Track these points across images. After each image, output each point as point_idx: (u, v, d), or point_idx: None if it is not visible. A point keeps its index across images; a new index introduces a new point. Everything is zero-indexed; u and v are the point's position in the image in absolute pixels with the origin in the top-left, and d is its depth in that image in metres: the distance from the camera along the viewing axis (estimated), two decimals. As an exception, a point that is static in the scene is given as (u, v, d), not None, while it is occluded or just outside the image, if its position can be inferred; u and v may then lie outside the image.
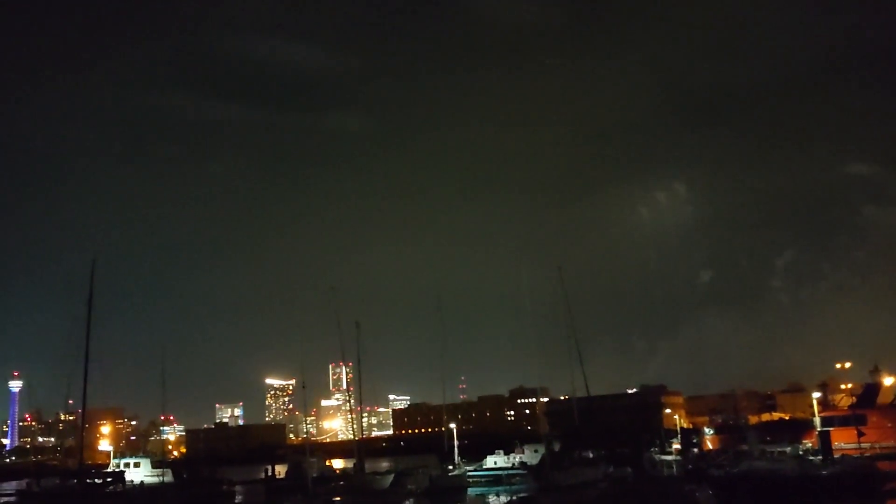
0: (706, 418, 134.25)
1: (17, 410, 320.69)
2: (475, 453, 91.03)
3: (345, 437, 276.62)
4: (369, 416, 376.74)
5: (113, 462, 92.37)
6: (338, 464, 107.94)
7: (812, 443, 72.42)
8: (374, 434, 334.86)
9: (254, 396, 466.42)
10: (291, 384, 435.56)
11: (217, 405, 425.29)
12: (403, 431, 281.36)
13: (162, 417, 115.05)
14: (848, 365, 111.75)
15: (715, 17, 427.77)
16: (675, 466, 74.42)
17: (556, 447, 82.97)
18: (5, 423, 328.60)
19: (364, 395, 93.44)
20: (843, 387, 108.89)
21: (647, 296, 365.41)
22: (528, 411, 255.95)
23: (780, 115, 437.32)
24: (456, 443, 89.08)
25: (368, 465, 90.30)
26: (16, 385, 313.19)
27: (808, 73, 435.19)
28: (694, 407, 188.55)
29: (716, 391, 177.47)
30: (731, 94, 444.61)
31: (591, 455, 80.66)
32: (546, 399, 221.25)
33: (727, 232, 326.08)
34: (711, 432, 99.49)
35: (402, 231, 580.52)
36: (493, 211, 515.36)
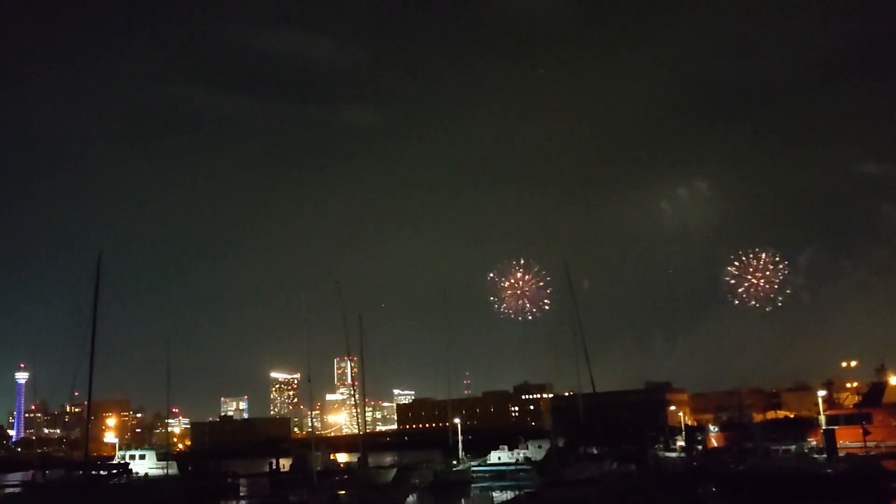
0: (711, 416, 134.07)
1: (22, 402, 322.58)
2: (479, 448, 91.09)
3: (349, 432, 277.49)
4: (374, 411, 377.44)
5: (118, 454, 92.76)
6: (342, 458, 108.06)
7: (817, 441, 72.41)
8: (378, 428, 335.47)
9: (259, 390, 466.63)
10: (296, 378, 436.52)
11: (222, 398, 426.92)
12: (408, 426, 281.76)
13: (167, 410, 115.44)
14: (854, 363, 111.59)
15: (732, 12, 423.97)
16: (679, 463, 74.32)
17: (561, 443, 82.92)
18: (11, 415, 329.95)
19: (368, 390, 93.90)
20: (848, 385, 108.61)
21: (668, 293, 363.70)
22: (532, 407, 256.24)
23: (799, 112, 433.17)
24: (460, 438, 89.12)
25: (372, 460, 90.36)
26: (22, 376, 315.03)
27: (828, 70, 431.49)
28: (699, 404, 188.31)
29: (725, 389, 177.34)
30: (751, 90, 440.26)
31: (595, 451, 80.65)
32: (551, 395, 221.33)
33: (749, 229, 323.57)
34: (716, 430, 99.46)
35: (409, 225, 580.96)
36: (503, 206, 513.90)
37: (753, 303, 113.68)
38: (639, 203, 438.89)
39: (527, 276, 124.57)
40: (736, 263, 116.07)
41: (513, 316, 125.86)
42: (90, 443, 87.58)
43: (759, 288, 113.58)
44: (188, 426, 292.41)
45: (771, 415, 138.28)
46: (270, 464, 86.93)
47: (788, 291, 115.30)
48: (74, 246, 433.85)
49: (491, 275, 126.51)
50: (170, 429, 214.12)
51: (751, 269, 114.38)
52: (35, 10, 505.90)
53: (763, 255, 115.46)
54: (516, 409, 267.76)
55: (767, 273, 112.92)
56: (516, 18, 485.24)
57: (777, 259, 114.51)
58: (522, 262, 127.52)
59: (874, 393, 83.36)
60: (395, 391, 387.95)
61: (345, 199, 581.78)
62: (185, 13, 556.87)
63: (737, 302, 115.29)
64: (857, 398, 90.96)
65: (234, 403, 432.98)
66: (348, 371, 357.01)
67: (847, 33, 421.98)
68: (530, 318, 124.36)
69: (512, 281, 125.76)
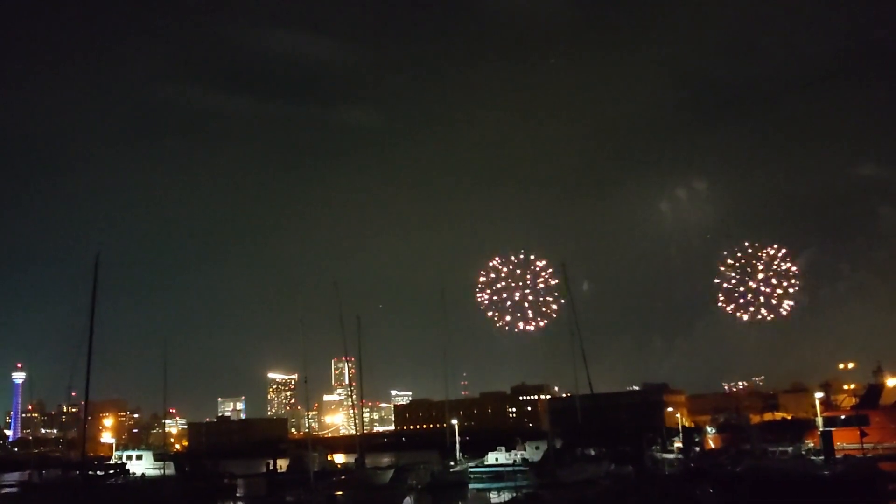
0: (708, 417, 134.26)
1: (20, 402, 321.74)
2: (477, 449, 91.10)
3: (347, 432, 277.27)
4: (371, 412, 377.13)
5: (115, 454, 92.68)
6: (339, 458, 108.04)
7: (814, 443, 72.40)
8: (375, 429, 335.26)
9: (256, 391, 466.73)
10: (294, 379, 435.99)
11: (219, 399, 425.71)
12: (405, 427, 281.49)
13: (164, 410, 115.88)
14: (851, 365, 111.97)
15: (732, 12, 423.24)
16: (676, 465, 74.33)
17: (558, 444, 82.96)
18: (8, 415, 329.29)
19: (366, 391, 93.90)
20: (845, 387, 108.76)
21: (667, 294, 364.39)
22: (530, 408, 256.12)
23: (799, 112, 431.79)
24: (457, 439, 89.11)
25: (369, 461, 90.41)
26: (19, 377, 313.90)
27: (828, 70, 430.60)
28: (696, 406, 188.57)
29: (722, 390, 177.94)
30: (751, 90, 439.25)
31: (592, 452, 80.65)
32: (548, 396, 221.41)
33: (748, 230, 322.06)
34: (713, 431, 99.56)
35: (408, 225, 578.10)
36: (502, 206, 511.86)
37: (752, 309, 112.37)
38: (638, 203, 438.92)
39: (527, 278, 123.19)
40: (730, 261, 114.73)
41: (508, 328, 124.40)
42: (87, 443, 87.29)
43: (761, 293, 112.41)
44: (185, 426, 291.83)
45: (768, 416, 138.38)
46: (267, 464, 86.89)
47: (791, 304, 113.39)
48: (73, 246, 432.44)
49: (483, 279, 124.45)
50: (167, 429, 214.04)
51: (749, 270, 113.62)
52: (35, 10, 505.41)
53: (765, 253, 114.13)
54: (514, 410, 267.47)
55: (770, 274, 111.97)
56: (516, 18, 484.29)
57: (779, 258, 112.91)
58: (522, 257, 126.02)
59: (871, 395, 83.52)
60: (393, 392, 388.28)
61: (343, 200, 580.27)
62: (185, 13, 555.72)
63: (730, 308, 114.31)
64: (854, 400, 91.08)
65: (232, 404, 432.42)
66: (346, 372, 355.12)
67: (847, 33, 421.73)
68: (531, 328, 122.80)
69: (510, 281, 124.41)
